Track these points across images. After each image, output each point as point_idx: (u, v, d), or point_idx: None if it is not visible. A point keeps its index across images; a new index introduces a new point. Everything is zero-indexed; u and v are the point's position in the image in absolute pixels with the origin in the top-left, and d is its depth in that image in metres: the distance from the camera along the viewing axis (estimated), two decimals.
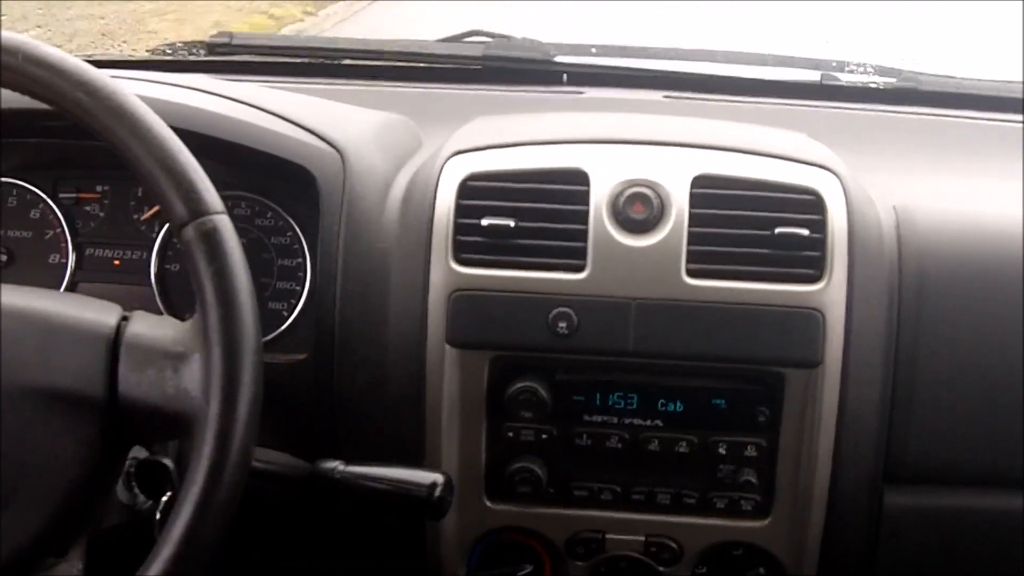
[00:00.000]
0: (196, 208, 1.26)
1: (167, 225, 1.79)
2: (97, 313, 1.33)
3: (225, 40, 2.31)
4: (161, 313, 1.78)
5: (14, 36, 1.30)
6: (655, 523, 1.70)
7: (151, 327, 1.33)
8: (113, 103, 1.28)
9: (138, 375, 1.28)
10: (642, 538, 1.71)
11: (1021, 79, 2.25)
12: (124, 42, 2.57)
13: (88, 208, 1.84)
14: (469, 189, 1.63)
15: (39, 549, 1.29)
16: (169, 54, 2.38)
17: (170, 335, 1.31)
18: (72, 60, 1.30)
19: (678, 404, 1.64)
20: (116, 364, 1.29)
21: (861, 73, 2.30)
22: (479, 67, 2.27)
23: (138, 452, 1.45)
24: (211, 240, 1.26)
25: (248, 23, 8.86)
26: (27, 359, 1.28)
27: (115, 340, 1.30)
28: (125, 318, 1.34)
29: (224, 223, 1.27)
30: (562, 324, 1.58)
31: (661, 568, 1.72)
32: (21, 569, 1.28)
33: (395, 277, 1.65)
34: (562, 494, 1.69)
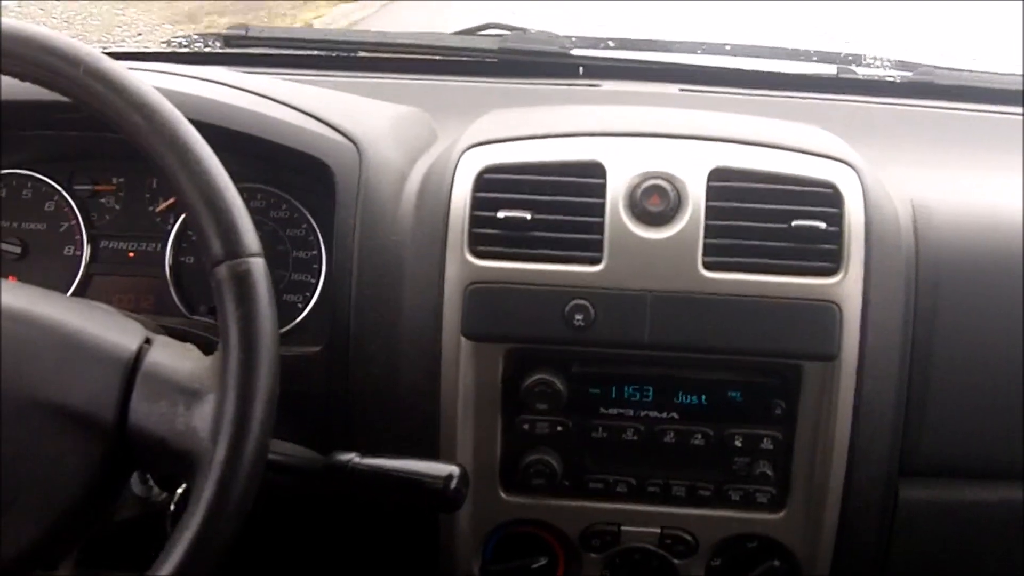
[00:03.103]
0: (233, 248, 1.26)
1: (182, 217, 1.79)
2: (119, 335, 1.33)
3: (241, 32, 2.31)
4: (176, 305, 1.79)
5: (78, 46, 1.30)
6: (670, 515, 1.70)
7: (171, 358, 1.32)
8: (167, 129, 1.28)
9: (150, 405, 1.28)
10: (657, 530, 1.71)
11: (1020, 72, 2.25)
12: (139, 34, 2.57)
13: (103, 200, 1.84)
14: (485, 181, 1.62)
15: (29, 561, 1.28)
16: (185, 46, 2.38)
17: (188, 369, 1.30)
18: (133, 79, 1.30)
19: (694, 397, 1.64)
20: (130, 391, 1.28)
21: (877, 67, 2.30)
22: (495, 60, 2.27)
23: None
24: (243, 283, 1.25)
25: None
26: (44, 373, 1.28)
27: (133, 366, 1.29)
28: (148, 341, 1.34)
29: (258, 266, 1.27)
30: (578, 316, 1.58)
31: (676, 560, 1.73)
32: None
33: (410, 270, 1.65)
34: (577, 486, 1.69)
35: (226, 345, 1.25)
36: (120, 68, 1.30)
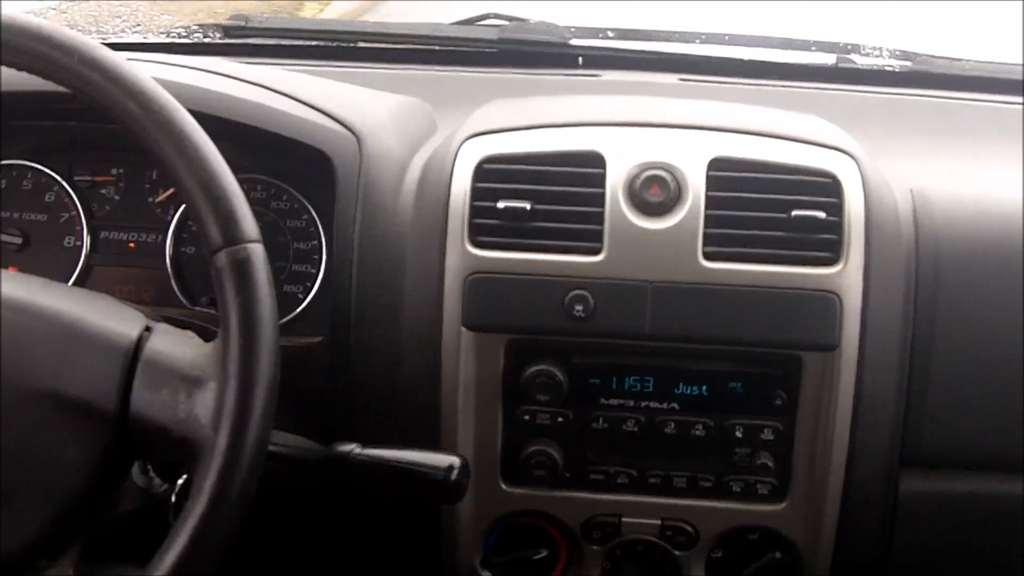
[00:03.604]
0: (232, 235, 1.26)
1: (182, 207, 1.79)
2: (120, 323, 1.32)
3: (241, 23, 2.31)
4: (176, 295, 1.79)
5: (73, 35, 1.30)
6: (671, 507, 1.70)
7: (171, 345, 1.32)
8: (163, 117, 1.27)
9: (151, 394, 1.28)
10: (658, 522, 1.71)
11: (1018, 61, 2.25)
12: (138, 25, 2.57)
13: (103, 191, 1.83)
14: (485, 172, 1.62)
15: (32, 552, 1.28)
16: (185, 37, 2.38)
17: (189, 357, 1.30)
18: (128, 67, 1.29)
19: (694, 387, 1.64)
20: (131, 380, 1.28)
21: (876, 56, 2.30)
22: (495, 50, 2.27)
23: None
24: (242, 269, 1.25)
25: None
26: (44, 362, 1.28)
27: (134, 354, 1.29)
28: (148, 329, 1.33)
29: (257, 253, 1.27)
30: (578, 307, 1.58)
31: (677, 552, 1.72)
32: (11, 570, 1.27)
33: (411, 260, 1.65)
34: (578, 478, 1.69)
35: (226, 332, 1.25)
36: (115, 56, 1.30)
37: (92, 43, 1.30)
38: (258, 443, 1.22)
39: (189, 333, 1.38)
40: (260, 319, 1.25)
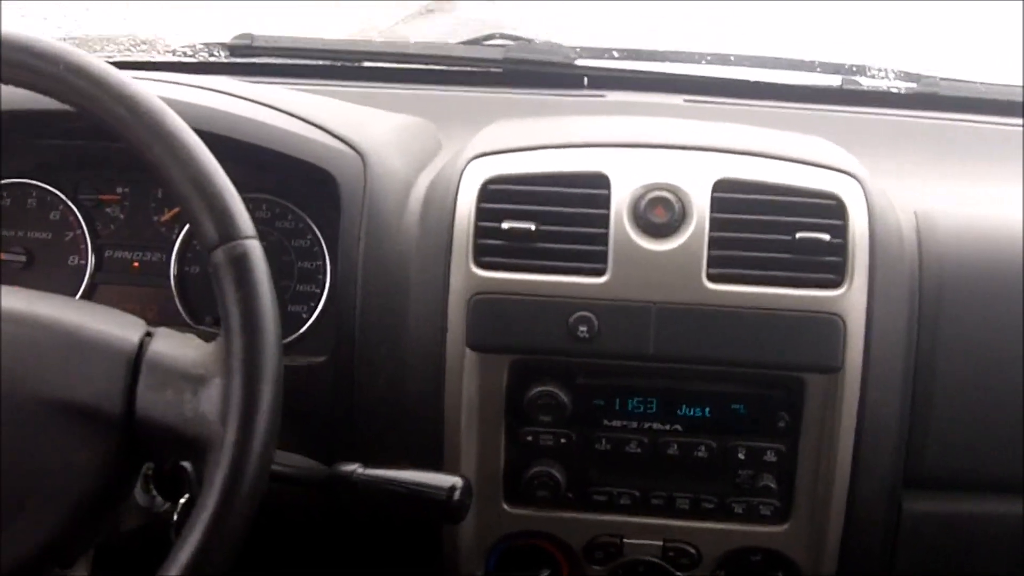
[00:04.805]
0: (227, 232, 1.25)
1: (187, 226, 1.79)
2: (121, 328, 1.32)
3: (246, 42, 2.31)
4: (181, 315, 1.79)
5: (57, 45, 1.30)
6: (674, 528, 1.70)
7: (173, 347, 1.32)
8: (153, 120, 1.27)
9: (157, 395, 1.28)
10: (660, 543, 1.71)
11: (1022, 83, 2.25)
12: (144, 43, 2.57)
13: (108, 210, 1.84)
14: (490, 192, 1.62)
15: (45, 559, 1.28)
16: (190, 56, 2.38)
17: (191, 356, 1.30)
18: (115, 73, 1.29)
19: (698, 409, 1.64)
20: (135, 382, 1.28)
21: (881, 78, 2.30)
22: (500, 70, 2.27)
23: None
24: (240, 265, 1.25)
25: None
26: (48, 370, 1.28)
27: (137, 358, 1.29)
28: (149, 334, 1.33)
29: (254, 248, 1.26)
30: (582, 328, 1.58)
31: (679, 573, 1.72)
32: None
33: (415, 280, 1.65)
34: (581, 498, 1.69)
35: (228, 328, 1.25)
36: (101, 63, 1.30)
37: (78, 52, 1.30)
38: (267, 435, 1.22)
39: (190, 335, 1.38)
40: (261, 313, 1.25)
